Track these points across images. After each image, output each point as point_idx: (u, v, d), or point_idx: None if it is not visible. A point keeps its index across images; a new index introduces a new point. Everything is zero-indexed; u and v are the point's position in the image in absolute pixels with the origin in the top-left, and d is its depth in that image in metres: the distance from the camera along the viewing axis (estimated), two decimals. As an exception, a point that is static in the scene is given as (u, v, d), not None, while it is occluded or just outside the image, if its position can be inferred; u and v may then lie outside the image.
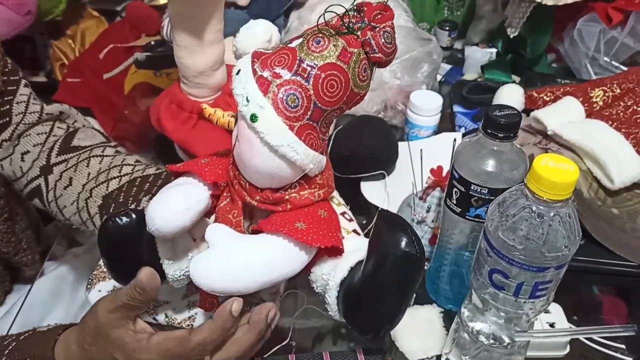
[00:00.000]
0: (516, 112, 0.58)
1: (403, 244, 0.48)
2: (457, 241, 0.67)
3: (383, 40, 0.49)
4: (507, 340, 0.58)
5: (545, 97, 0.97)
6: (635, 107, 0.90)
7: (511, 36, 1.11)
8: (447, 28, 1.26)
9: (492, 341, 0.59)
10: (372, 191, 0.89)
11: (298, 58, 0.49)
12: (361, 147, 0.86)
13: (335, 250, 0.54)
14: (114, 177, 0.72)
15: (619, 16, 1.04)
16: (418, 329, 0.69)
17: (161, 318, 0.68)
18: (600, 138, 0.84)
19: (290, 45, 0.51)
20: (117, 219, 0.55)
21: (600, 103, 0.92)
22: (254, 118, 0.49)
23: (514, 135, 0.58)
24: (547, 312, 0.69)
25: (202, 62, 0.76)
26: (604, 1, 1.06)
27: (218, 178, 0.57)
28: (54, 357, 0.55)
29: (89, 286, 0.72)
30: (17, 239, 0.85)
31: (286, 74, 0.49)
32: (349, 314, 0.54)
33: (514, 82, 1.11)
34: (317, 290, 0.57)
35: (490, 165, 0.59)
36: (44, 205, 0.76)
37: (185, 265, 0.57)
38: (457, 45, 1.30)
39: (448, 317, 0.70)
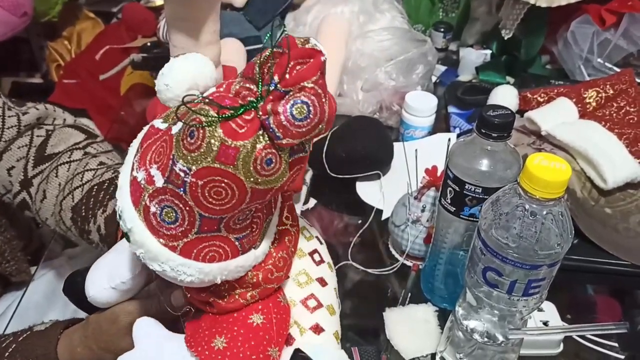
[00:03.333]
0: (510, 112, 0.58)
1: None
2: (452, 240, 0.67)
3: (294, 118, 0.35)
4: (501, 338, 0.59)
5: (539, 98, 0.98)
6: (628, 108, 0.91)
7: (505, 38, 1.11)
8: (442, 30, 1.27)
9: (486, 339, 0.59)
10: (368, 191, 0.89)
11: (171, 157, 0.38)
12: (356, 148, 0.86)
13: None
14: (77, 187, 0.70)
15: (612, 18, 1.04)
16: (413, 327, 0.69)
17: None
18: (594, 138, 0.85)
19: (173, 129, 0.39)
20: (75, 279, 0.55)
21: (594, 104, 0.92)
22: (127, 237, 0.42)
23: (507, 135, 0.58)
24: (540, 310, 0.70)
25: (199, 62, 0.76)
26: (598, 3, 1.07)
27: None
28: (57, 357, 0.55)
29: (85, 286, 0.72)
30: (1, 251, 0.84)
31: (159, 180, 0.39)
32: None
33: (508, 83, 1.12)
34: None
35: (484, 164, 0.60)
36: (34, 215, 0.76)
37: None
38: (452, 46, 1.31)
39: (443, 316, 0.71)
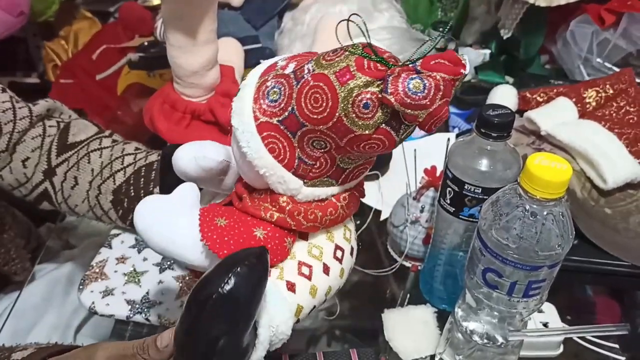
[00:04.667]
0: (509, 111, 0.58)
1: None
2: (451, 241, 0.67)
3: (408, 87, 0.40)
4: (500, 339, 0.58)
5: (538, 98, 0.97)
6: (627, 108, 0.90)
7: (504, 37, 1.11)
8: (441, 29, 1.26)
9: (485, 341, 0.59)
10: (366, 192, 0.88)
11: (308, 60, 0.45)
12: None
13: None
14: (118, 170, 0.72)
15: (611, 18, 1.04)
16: (412, 329, 0.69)
17: (154, 318, 0.68)
18: (593, 138, 0.84)
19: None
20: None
21: (593, 104, 0.92)
22: (237, 92, 0.48)
23: (507, 135, 0.58)
24: (540, 311, 0.70)
25: (196, 61, 0.76)
26: (597, 3, 1.07)
27: None
28: None
29: (80, 287, 0.71)
30: (6, 249, 0.84)
31: (290, 69, 0.46)
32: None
33: (507, 83, 1.12)
34: None
35: (483, 164, 0.59)
36: (54, 206, 0.76)
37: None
38: (451, 46, 1.30)
39: (442, 317, 0.70)
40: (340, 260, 0.54)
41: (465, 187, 0.60)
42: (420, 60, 0.42)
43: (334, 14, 1.05)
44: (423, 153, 0.78)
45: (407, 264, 0.78)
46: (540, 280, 0.52)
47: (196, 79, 0.78)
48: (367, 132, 0.43)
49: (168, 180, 0.60)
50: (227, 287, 0.40)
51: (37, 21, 1.40)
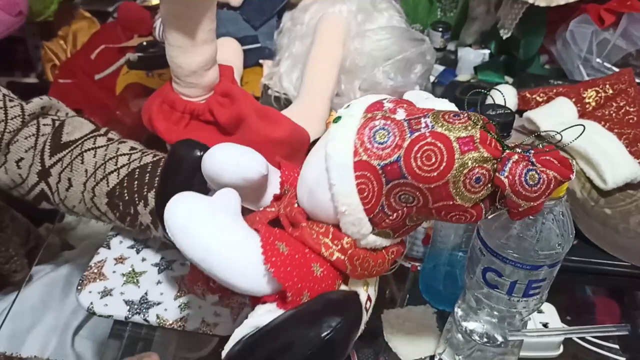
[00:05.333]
0: (509, 111, 0.58)
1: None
2: (451, 241, 0.67)
3: (525, 176, 0.41)
4: (500, 339, 0.58)
5: (538, 98, 0.97)
6: (627, 108, 0.90)
7: (504, 37, 1.11)
8: (440, 29, 1.26)
9: (485, 340, 0.59)
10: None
11: (425, 114, 0.43)
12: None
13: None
14: (112, 171, 0.70)
15: (611, 18, 1.04)
16: (412, 329, 0.69)
17: (152, 319, 0.68)
18: (593, 139, 0.84)
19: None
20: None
21: (593, 104, 0.92)
22: (337, 119, 0.45)
23: (507, 135, 0.58)
24: (540, 312, 0.69)
25: (195, 61, 0.76)
26: (597, 3, 1.07)
27: (285, 179, 0.54)
28: None
29: (79, 287, 0.71)
30: (6, 247, 0.84)
31: (401, 115, 0.44)
32: None
33: (507, 83, 1.12)
34: None
35: (483, 164, 0.59)
36: (54, 206, 0.74)
37: None
38: (450, 46, 1.30)
39: (442, 318, 0.70)
40: (367, 311, 0.52)
41: (465, 187, 0.60)
42: (533, 151, 0.42)
43: (334, 14, 1.05)
44: (422, 153, 0.77)
45: (407, 264, 0.78)
46: (540, 280, 0.52)
47: (195, 78, 0.78)
48: (466, 204, 0.42)
49: (174, 184, 0.55)
50: (329, 333, 0.38)
51: (36, 21, 1.40)
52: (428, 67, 1.05)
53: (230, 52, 1.06)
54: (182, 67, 0.77)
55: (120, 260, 0.75)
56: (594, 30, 1.06)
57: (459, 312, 0.61)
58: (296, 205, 0.49)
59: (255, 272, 0.44)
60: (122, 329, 0.70)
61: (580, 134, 0.47)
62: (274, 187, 0.55)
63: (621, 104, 0.91)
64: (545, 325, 0.68)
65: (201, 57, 0.76)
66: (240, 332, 0.44)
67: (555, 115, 0.90)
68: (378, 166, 0.43)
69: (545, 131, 0.87)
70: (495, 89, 1.01)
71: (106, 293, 0.70)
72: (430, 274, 0.72)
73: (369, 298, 0.52)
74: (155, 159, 0.71)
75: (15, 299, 0.81)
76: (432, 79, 1.17)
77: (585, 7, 1.07)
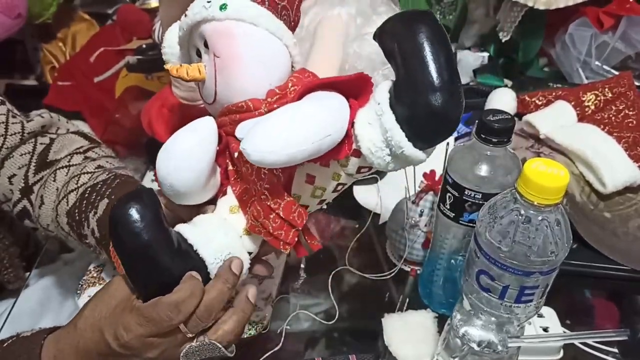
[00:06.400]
0: (510, 116, 0.58)
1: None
2: (451, 245, 0.67)
3: None
4: (499, 345, 0.58)
5: (537, 101, 0.97)
6: (626, 111, 0.90)
7: (503, 40, 1.11)
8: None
9: (483, 347, 0.58)
10: (365, 195, 0.89)
11: None
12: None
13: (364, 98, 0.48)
14: (72, 190, 0.68)
15: (610, 21, 1.04)
16: (411, 334, 0.69)
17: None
18: (592, 142, 0.84)
19: None
20: (126, 216, 0.45)
21: (592, 107, 0.92)
22: (223, 7, 0.46)
23: (507, 140, 0.58)
24: (540, 316, 0.69)
25: (194, 65, 0.76)
26: (596, 6, 1.07)
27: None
28: None
29: (78, 291, 0.71)
30: (0, 259, 0.83)
31: None
32: (417, 118, 0.43)
33: (506, 86, 1.12)
34: (370, 140, 0.46)
35: (483, 170, 0.59)
36: (34, 224, 0.74)
37: (222, 240, 0.50)
38: (450, 49, 1.30)
39: (442, 322, 0.70)
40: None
41: (466, 192, 0.60)
42: None
43: (333, 17, 1.04)
44: (422, 157, 0.77)
45: (406, 268, 0.78)
46: (533, 287, 0.52)
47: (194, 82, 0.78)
48: None
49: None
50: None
51: (35, 23, 1.40)
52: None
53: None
54: (181, 71, 0.77)
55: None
56: (593, 33, 1.06)
57: (457, 316, 0.61)
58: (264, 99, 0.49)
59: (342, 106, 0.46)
60: (122, 333, 0.70)
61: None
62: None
63: (620, 107, 0.91)
64: (545, 329, 0.68)
65: (201, 61, 0.76)
66: None
67: (555, 119, 0.90)
68: None
69: (544, 134, 0.87)
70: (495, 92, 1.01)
71: (105, 297, 0.70)
72: (430, 278, 0.72)
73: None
74: (107, 176, 0.69)
75: (14, 303, 0.81)
76: (431, 81, 1.17)
77: (584, 10, 1.07)
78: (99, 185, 0.67)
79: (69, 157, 0.72)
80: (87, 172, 0.70)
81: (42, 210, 0.71)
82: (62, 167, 0.71)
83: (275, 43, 0.48)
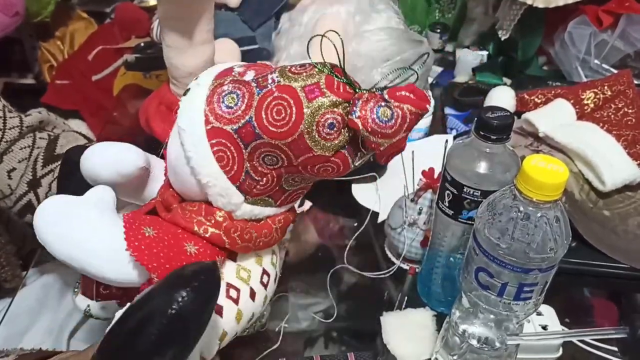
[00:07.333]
0: (509, 113, 0.57)
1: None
2: (449, 243, 0.67)
3: (377, 114, 0.40)
4: (497, 342, 0.58)
5: (536, 100, 0.97)
6: (626, 109, 0.90)
7: (502, 39, 1.11)
8: (439, 30, 1.26)
9: (482, 344, 0.58)
10: (364, 194, 0.88)
11: (272, 70, 0.43)
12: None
13: None
14: None
15: (609, 19, 1.04)
16: (410, 332, 0.68)
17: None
18: (592, 140, 0.84)
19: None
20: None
21: (592, 105, 0.92)
22: (186, 91, 0.45)
23: (506, 137, 0.57)
24: (539, 314, 0.69)
25: (192, 62, 0.76)
26: (595, 4, 1.07)
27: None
28: None
29: (76, 290, 0.71)
30: None
31: (249, 76, 0.44)
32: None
33: (505, 84, 1.11)
34: None
35: (482, 167, 0.59)
36: None
37: None
38: (449, 47, 1.30)
39: (441, 321, 0.70)
40: (265, 286, 0.51)
41: (464, 190, 0.60)
42: (387, 90, 0.42)
43: (332, 15, 1.04)
44: (421, 155, 0.77)
45: (405, 266, 0.78)
46: (532, 284, 0.52)
47: (192, 79, 0.78)
48: (326, 153, 0.42)
49: (69, 187, 0.52)
50: (178, 306, 0.36)
51: (33, 22, 1.40)
52: (426, 69, 1.04)
53: (228, 53, 1.06)
54: (179, 68, 0.77)
55: (117, 262, 0.74)
56: (592, 31, 1.06)
57: (456, 313, 0.61)
58: (170, 189, 0.49)
59: (121, 259, 0.43)
60: (119, 331, 0.70)
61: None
62: (161, 181, 0.54)
63: (619, 105, 0.91)
64: (544, 327, 0.68)
65: (199, 58, 0.76)
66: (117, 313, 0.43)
67: (554, 117, 0.89)
68: (232, 130, 0.42)
69: (543, 132, 0.87)
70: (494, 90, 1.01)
71: (103, 296, 0.69)
72: (429, 277, 0.72)
73: (265, 272, 0.51)
74: (62, 161, 0.70)
75: (11, 302, 0.80)
76: (430, 80, 1.17)
77: (583, 8, 1.07)
78: None
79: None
80: None
81: None
82: None
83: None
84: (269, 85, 0.42)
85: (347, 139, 0.42)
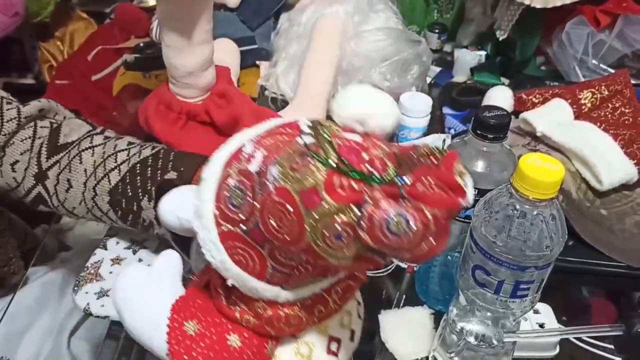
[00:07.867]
0: (506, 112, 0.58)
1: None
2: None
3: (387, 227, 0.32)
4: (494, 340, 0.58)
5: (534, 99, 0.97)
6: (623, 109, 0.90)
7: (500, 39, 1.11)
8: (437, 31, 1.26)
9: (479, 341, 0.59)
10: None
11: (274, 159, 0.36)
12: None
13: None
14: (113, 169, 0.69)
15: (606, 19, 1.04)
16: (408, 330, 0.69)
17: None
18: (589, 140, 0.84)
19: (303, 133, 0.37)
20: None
21: (589, 105, 0.92)
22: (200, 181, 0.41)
23: (503, 136, 0.58)
24: (536, 312, 0.70)
25: (191, 62, 0.76)
26: (592, 4, 1.07)
27: None
28: None
29: (75, 288, 0.71)
30: (5, 250, 0.83)
31: (255, 164, 0.38)
32: None
33: (503, 84, 1.12)
34: None
35: (479, 166, 0.59)
36: (52, 209, 0.73)
37: None
38: (447, 47, 1.31)
39: (438, 319, 0.70)
40: (336, 354, 0.47)
41: (461, 188, 0.60)
42: (409, 178, 0.33)
43: (330, 15, 1.05)
44: (419, 154, 0.78)
45: (403, 265, 0.78)
46: (528, 282, 0.52)
47: (192, 79, 0.78)
48: (343, 263, 0.35)
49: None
50: None
51: (33, 22, 1.40)
52: (424, 69, 1.05)
53: (227, 53, 1.06)
54: (178, 68, 0.77)
55: (116, 261, 0.75)
56: (590, 31, 1.06)
57: (453, 310, 0.61)
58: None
59: (161, 348, 0.43)
60: (119, 329, 0.70)
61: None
62: None
63: (617, 105, 0.91)
64: (541, 325, 0.68)
65: (198, 58, 0.76)
66: None
67: (551, 117, 0.90)
68: (243, 233, 0.38)
69: (541, 132, 0.87)
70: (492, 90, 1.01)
71: (103, 294, 0.70)
72: (427, 275, 0.72)
73: (332, 339, 0.47)
74: (154, 151, 0.70)
75: (10, 301, 0.81)
76: (428, 80, 1.18)
77: (581, 8, 1.07)
78: (150, 159, 0.69)
79: (88, 138, 0.72)
80: (122, 150, 0.70)
81: (69, 193, 0.70)
82: (86, 149, 0.71)
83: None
84: (268, 184, 0.35)
85: (359, 249, 0.34)
